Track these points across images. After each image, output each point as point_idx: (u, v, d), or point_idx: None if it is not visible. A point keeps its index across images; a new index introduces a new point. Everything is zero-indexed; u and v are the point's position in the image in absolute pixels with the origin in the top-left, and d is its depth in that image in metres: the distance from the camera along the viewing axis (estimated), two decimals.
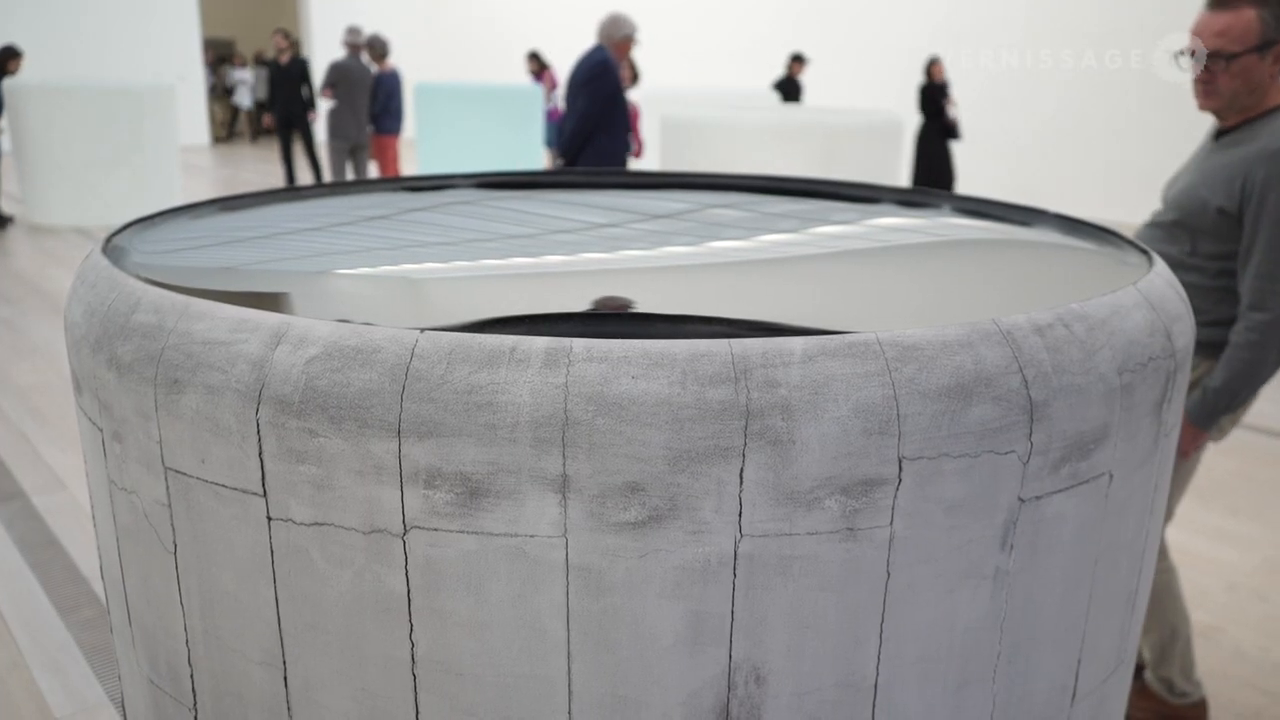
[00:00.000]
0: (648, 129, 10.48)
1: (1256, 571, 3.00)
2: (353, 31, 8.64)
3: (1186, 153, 8.40)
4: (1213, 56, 1.94)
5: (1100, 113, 10.16)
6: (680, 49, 14.66)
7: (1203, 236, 2.00)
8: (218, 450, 0.97)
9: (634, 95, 5.70)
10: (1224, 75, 1.95)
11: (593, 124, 5.21)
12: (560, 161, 5.34)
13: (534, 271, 1.33)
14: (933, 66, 9.52)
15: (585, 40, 12.73)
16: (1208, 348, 2.04)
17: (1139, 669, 2.34)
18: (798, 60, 11.53)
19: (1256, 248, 1.91)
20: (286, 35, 10.04)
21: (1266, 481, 3.69)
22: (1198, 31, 1.97)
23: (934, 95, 9.40)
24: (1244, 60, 1.92)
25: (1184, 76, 8.83)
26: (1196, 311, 2.03)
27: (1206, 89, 1.99)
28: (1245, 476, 3.72)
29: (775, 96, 11.39)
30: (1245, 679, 2.45)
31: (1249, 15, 1.90)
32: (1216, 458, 3.82)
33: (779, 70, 13.09)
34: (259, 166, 14.13)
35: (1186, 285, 2.03)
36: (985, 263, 1.44)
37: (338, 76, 8.34)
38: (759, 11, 13.78)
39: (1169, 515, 2.19)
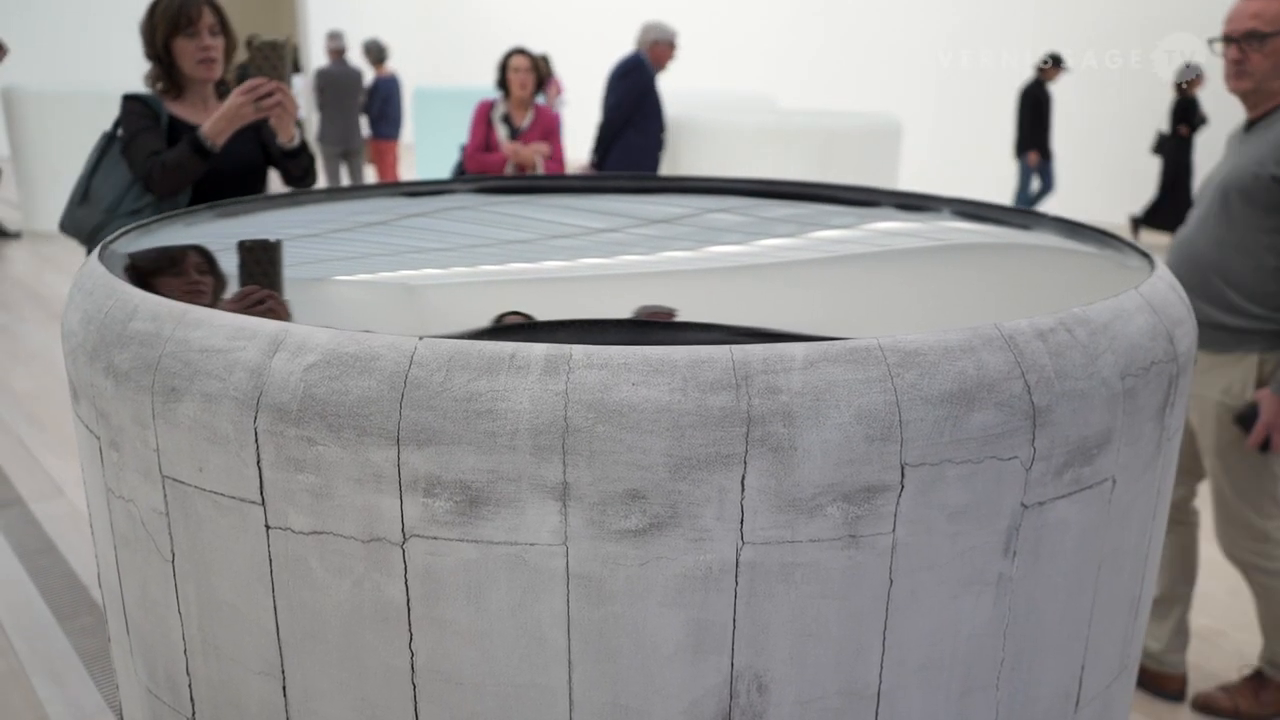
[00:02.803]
0: None
1: None
2: (334, 37, 8.65)
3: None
4: (1246, 37, 2.06)
5: (1102, 113, 10.14)
6: (687, 50, 14.56)
7: (1266, 212, 2.05)
8: (215, 459, 0.97)
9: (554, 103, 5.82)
10: (1257, 55, 2.06)
11: (623, 119, 5.34)
12: (593, 158, 5.42)
13: (533, 277, 1.33)
14: (1194, 81, 7.91)
15: (587, 47, 12.72)
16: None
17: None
18: (1054, 64, 8.35)
19: None
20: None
21: None
22: (1232, 16, 2.10)
23: (1187, 111, 8.10)
24: (1277, 41, 2.04)
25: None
26: (1270, 297, 2.06)
27: (1239, 69, 2.09)
28: None
29: (1016, 108, 8.40)
30: None
31: None
32: None
33: (778, 70, 12.83)
34: None
35: (1255, 270, 2.06)
36: (986, 267, 1.44)
37: (324, 83, 8.34)
38: (773, 11, 13.61)
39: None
